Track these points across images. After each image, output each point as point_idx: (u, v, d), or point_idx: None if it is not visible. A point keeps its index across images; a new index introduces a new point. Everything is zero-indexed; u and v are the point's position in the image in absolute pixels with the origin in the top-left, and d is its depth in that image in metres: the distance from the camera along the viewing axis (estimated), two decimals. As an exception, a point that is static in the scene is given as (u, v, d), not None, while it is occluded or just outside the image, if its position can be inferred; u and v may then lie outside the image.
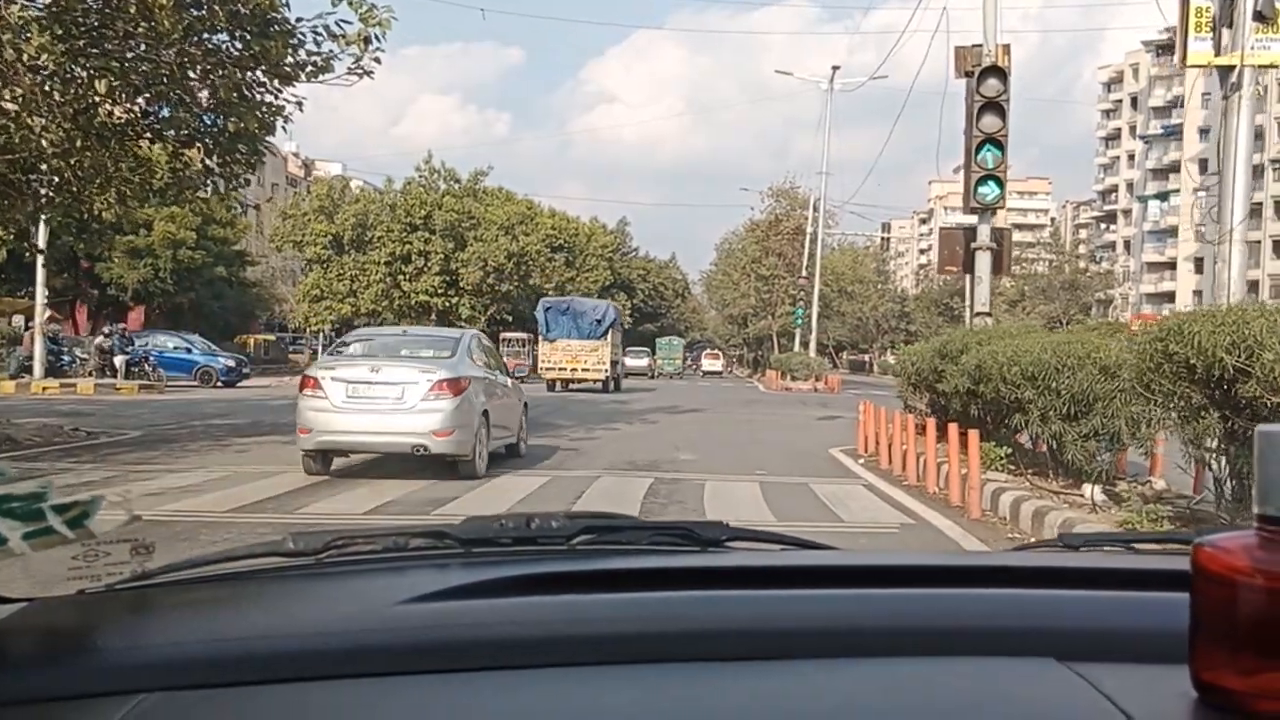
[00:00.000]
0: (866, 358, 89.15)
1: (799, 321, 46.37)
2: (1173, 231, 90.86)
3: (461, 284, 41.81)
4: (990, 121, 12.27)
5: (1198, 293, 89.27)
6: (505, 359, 17.45)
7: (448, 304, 41.34)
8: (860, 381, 53.56)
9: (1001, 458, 9.62)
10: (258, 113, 13.15)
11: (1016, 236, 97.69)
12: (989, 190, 12.39)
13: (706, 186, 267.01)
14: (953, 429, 9.52)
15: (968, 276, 13.79)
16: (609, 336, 32.02)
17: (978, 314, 12.78)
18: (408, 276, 41.33)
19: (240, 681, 0.90)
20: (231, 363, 33.78)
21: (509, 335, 41.53)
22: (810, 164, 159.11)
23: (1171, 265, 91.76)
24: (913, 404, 13.77)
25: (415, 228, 41.04)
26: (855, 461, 14.04)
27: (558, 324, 31.72)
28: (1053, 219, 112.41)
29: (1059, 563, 1.26)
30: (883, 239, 49.57)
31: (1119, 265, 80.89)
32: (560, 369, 31.73)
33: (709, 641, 0.94)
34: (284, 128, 14.18)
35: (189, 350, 33.50)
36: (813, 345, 43.68)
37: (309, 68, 12.82)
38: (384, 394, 10.10)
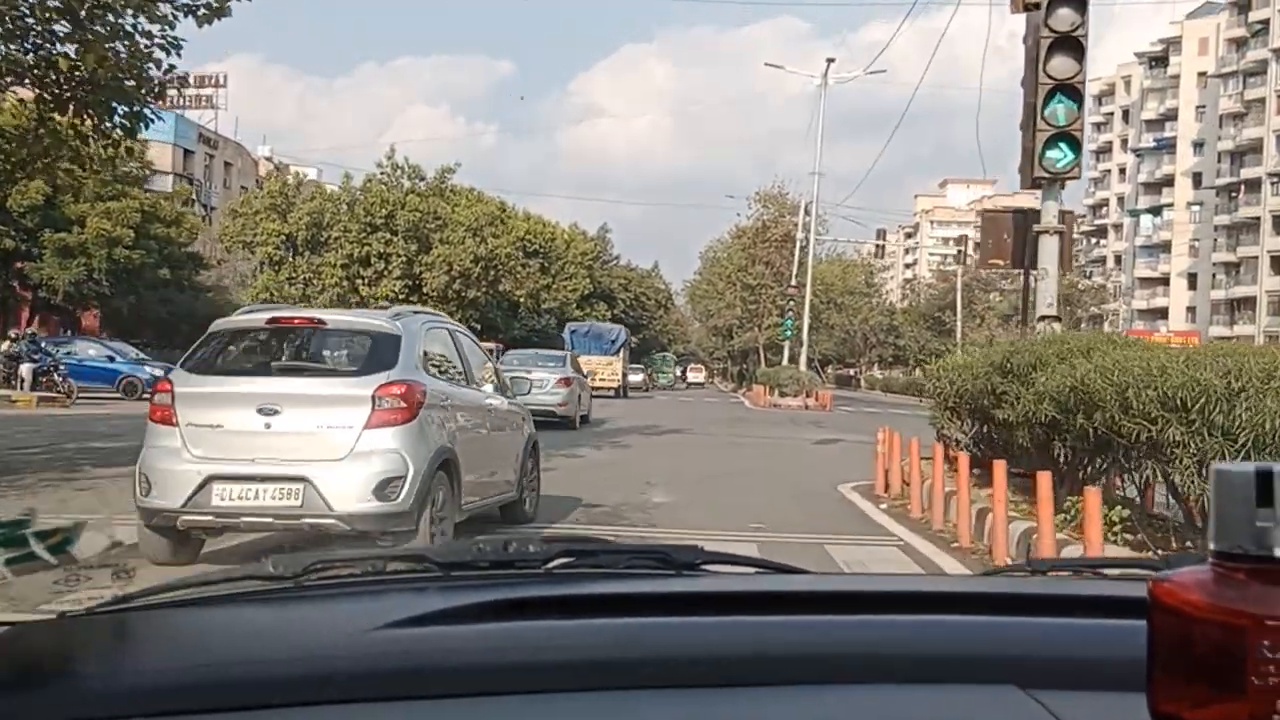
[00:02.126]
0: (853, 372, 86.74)
1: (788, 334, 43.36)
2: (1165, 246, 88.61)
3: (425, 289, 38.60)
4: (1062, 64, 9.28)
5: (1191, 309, 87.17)
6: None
7: (410, 311, 38.35)
8: (850, 397, 50.82)
9: (1117, 522, 6.58)
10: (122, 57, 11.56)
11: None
12: (1060, 155, 9.38)
13: (693, 199, 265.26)
14: (1044, 483, 6.45)
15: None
16: (621, 354, 39.04)
17: (1043, 318, 9.76)
18: (366, 280, 38.13)
19: (219, 707, 0.90)
20: (159, 373, 30.56)
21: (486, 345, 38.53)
22: (798, 176, 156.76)
23: (1165, 281, 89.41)
24: (950, 433, 10.77)
25: (375, 228, 37.81)
26: (876, 507, 11.04)
27: (581, 343, 36.65)
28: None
29: (1026, 589, 1.26)
30: (877, 246, 46.39)
31: (1110, 280, 78.38)
32: None
33: (683, 668, 0.95)
34: (176, 86, 13.01)
35: (112, 359, 30.29)
36: (803, 359, 40.67)
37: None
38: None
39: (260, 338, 7.30)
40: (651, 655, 0.97)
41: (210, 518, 6.32)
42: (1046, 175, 9.45)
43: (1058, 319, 9.90)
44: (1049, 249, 9.82)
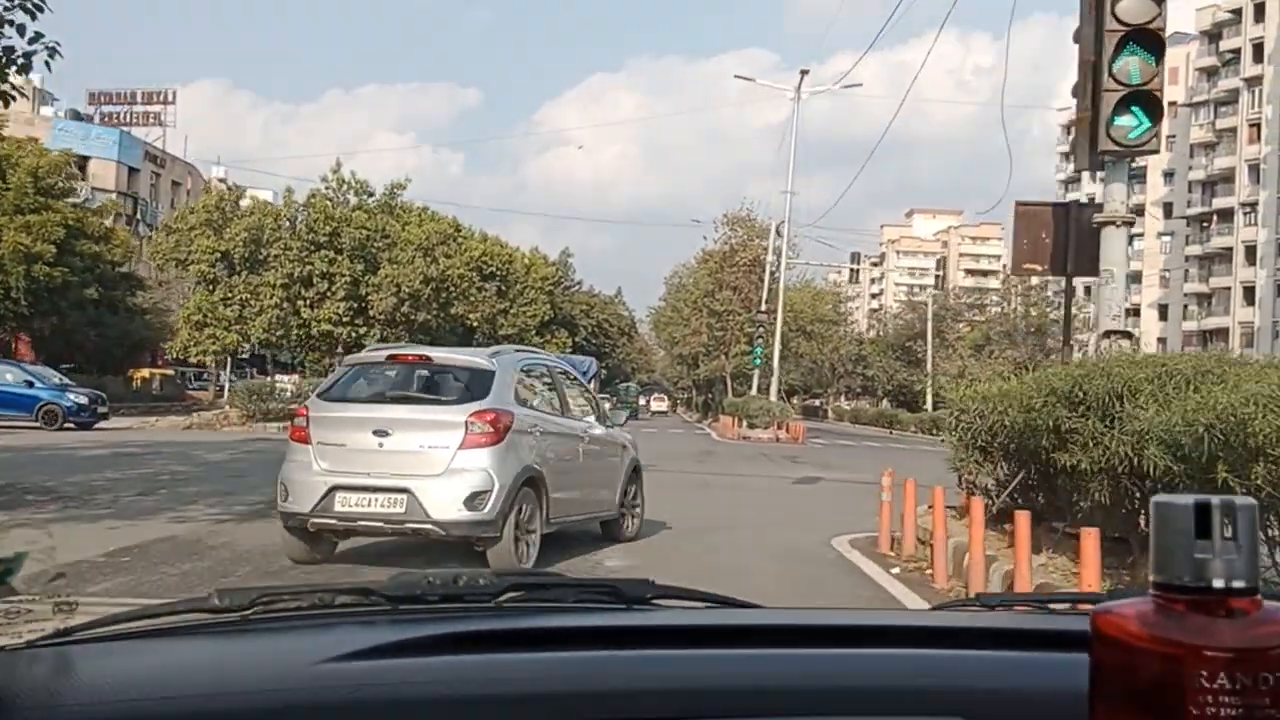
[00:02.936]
0: (819, 402, 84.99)
1: (758, 361, 41.17)
2: (1136, 277, 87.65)
3: (371, 312, 36.03)
4: (1135, 6, 7.13)
5: (1162, 340, 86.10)
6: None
7: (354, 334, 35.55)
8: (820, 429, 48.69)
9: None
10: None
11: (967, 283, 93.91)
12: (1134, 122, 7.16)
13: (659, 229, 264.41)
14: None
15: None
16: (592, 384, 38.98)
17: (1109, 334, 7.51)
18: (308, 302, 35.46)
19: None
20: (84, 400, 27.91)
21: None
22: (767, 199, 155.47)
23: (1135, 312, 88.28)
24: (979, 480, 8.52)
25: (319, 246, 35.17)
26: (885, 570, 8.79)
27: None
28: (1004, 264, 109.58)
29: (974, 623, 1.26)
30: (851, 270, 44.27)
31: (1081, 311, 77.19)
32: None
33: (631, 701, 0.96)
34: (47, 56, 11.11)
35: (31, 384, 27.66)
36: (774, 388, 38.49)
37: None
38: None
39: (379, 371, 8.54)
40: (601, 688, 0.97)
41: (334, 521, 7.52)
42: (1116, 148, 7.22)
43: (1128, 335, 7.69)
44: (1114, 245, 7.60)
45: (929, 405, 66.24)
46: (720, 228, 49.67)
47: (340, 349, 36.69)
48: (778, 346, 38.74)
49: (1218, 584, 0.69)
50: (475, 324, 44.90)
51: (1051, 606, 1.40)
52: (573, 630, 1.14)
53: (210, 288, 35.28)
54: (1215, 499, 0.69)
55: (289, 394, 29.34)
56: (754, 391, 40.87)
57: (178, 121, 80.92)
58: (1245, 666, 0.67)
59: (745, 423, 36.35)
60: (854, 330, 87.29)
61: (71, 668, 1.08)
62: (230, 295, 34.98)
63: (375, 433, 7.43)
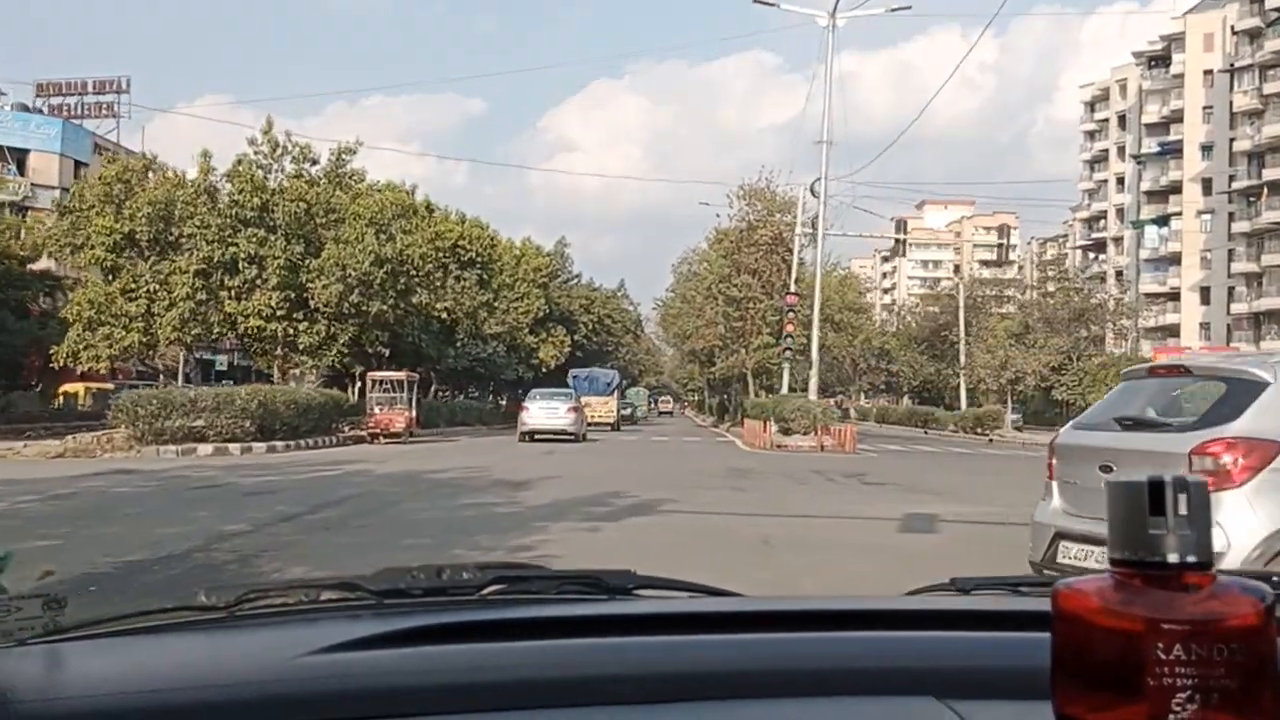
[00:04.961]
0: (838, 400, 78.16)
1: (788, 356, 34.19)
2: (1175, 259, 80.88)
3: (313, 303, 29.07)
4: None
5: (1205, 324, 79.26)
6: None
7: (292, 330, 28.65)
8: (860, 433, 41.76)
9: None
10: None
11: (985, 274, 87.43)
12: None
13: (666, 231, 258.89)
14: None
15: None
16: (615, 394, 47.24)
17: None
18: (233, 292, 28.49)
19: None
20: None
21: (381, 376, 28.93)
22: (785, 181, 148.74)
23: (1174, 296, 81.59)
24: None
25: (245, 223, 28.21)
26: None
27: (582, 386, 43.63)
28: (1019, 253, 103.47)
29: (949, 605, 1.29)
30: (896, 240, 37.16)
31: (1110, 297, 70.21)
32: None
33: (612, 686, 0.98)
34: None
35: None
36: (813, 385, 31.57)
37: None
38: None
39: (1136, 389, 6.73)
40: (583, 674, 0.99)
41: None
42: None
43: None
44: None
45: (963, 401, 60.04)
46: (735, 202, 42.70)
47: (280, 350, 29.81)
48: (815, 333, 31.76)
49: (1173, 559, 0.71)
50: (455, 318, 38.11)
51: (1022, 589, 1.40)
52: (556, 620, 1.15)
53: (109, 276, 28.34)
54: (1168, 476, 0.72)
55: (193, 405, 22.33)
56: (785, 388, 33.96)
57: (130, 112, 73.76)
58: (1201, 638, 0.70)
59: (777, 427, 29.56)
60: (878, 322, 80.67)
61: (63, 664, 1.09)
62: (135, 286, 28.03)
63: (1101, 468, 5.91)
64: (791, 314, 33.92)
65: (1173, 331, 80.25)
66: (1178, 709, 0.70)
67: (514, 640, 1.07)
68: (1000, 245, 50.19)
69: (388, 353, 31.16)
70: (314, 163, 31.13)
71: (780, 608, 1.25)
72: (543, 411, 30.00)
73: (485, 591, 1.27)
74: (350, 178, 31.40)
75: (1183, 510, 0.72)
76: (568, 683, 0.98)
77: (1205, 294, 79.96)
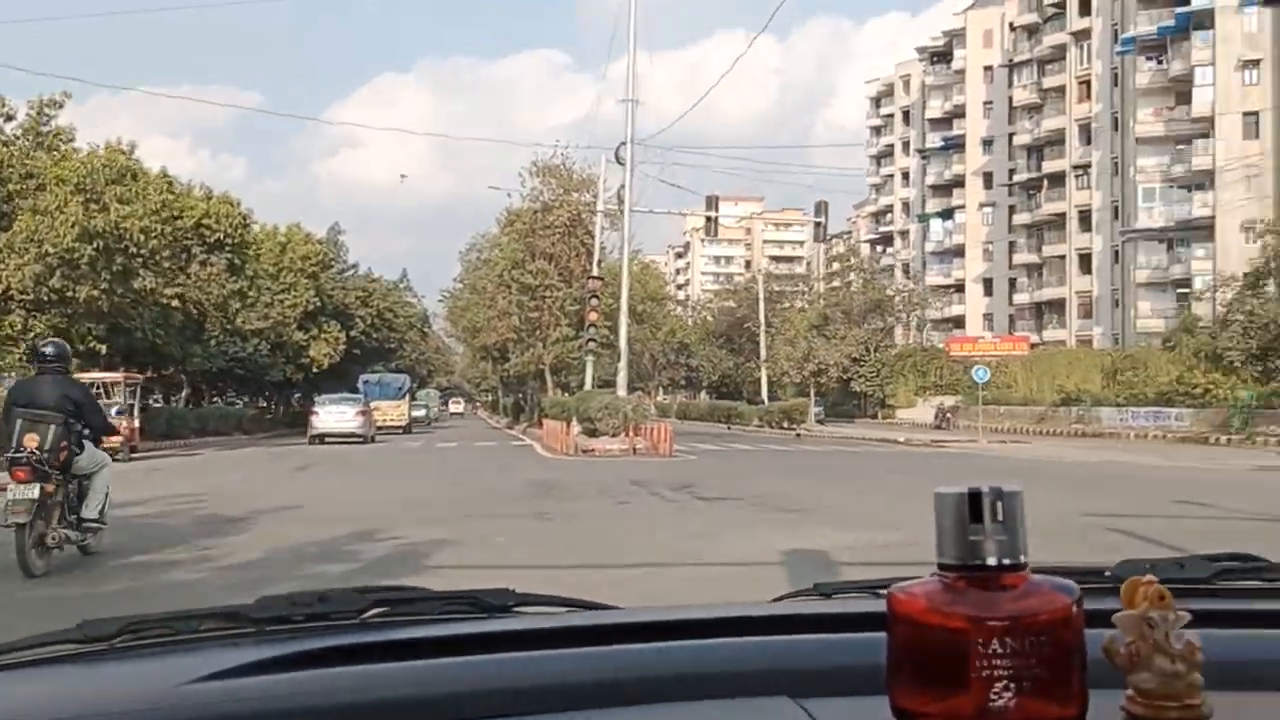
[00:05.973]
0: (637, 395, 75.20)
1: (593, 348, 30.33)
2: (959, 251, 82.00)
3: (7, 288, 23.11)
4: None
5: (988, 315, 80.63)
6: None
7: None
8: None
9: None
10: None
11: (775, 269, 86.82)
12: None
13: (456, 228, 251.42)
14: None
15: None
16: (406, 398, 48.14)
17: None
18: (-112, 277, 22.31)
19: None
20: None
21: (99, 376, 23.26)
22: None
23: (959, 287, 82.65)
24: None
25: (-95, 189, 22.12)
26: None
27: (373, 391, 44.26)
28: (808, 249, 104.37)
29: (811, 609, 1.33)
30: (707, 219, 33.84)
31: (899, 292, 70.30)
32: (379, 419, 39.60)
33: (489, 701, 1.00)
34: None
35: None
36: (622, 378, 27.78)
37: None
38: None
39: None
40: (461, 691, 1.01)
41: None
42: None
43: None
44: None
45: (764, 395, 58.13)
46: (528, 180, 38.49)
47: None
48: (625, 320, 27.99)
49: (991, 562, 0.78)
50: (203, 310, 32.42)
51: (880, 592, 1.41)
52: (436, 639, 1.17)
53: None
54: (985, 487, 0.78)
55: None
56: (588, 384, 30.10)
57: None
58: (1017, 633, 0.76)
59: (581, 428, 25.71)
60: (676, 317, 78.32)
61: None
62: None
63: None
64: (595, 301, 30.11)
65: (959, 323, 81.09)
66: (996, 698, 0.76)
67: (397, 661, 1.08)
68: (800, 242, 48.00)
69: (104, 349, 25.34)
70: (9, 118, 25.05)
71: (652, 618, 1.27)
72: (331, 416, 32.60)
73: (367, 615, 1.27)
74: (56, 136, 25.43)
75: (999, 517, 0.77)
76: (450, 700, 1.00)
77: (989, 285, 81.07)
